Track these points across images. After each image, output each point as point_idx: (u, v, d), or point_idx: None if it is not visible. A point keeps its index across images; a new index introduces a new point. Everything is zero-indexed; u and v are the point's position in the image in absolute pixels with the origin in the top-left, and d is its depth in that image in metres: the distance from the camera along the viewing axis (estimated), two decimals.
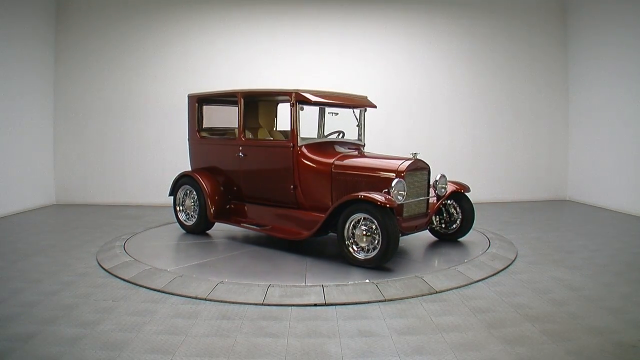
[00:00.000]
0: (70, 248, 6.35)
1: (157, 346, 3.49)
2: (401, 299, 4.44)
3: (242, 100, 6.56)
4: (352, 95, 6.85)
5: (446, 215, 6.38)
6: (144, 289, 4.72)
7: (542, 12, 10.41)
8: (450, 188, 6.21)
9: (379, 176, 5.54)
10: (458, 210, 6.34)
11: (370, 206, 5.09)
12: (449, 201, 6.30)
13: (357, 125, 6.90)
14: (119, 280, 4.99)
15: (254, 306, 4.29)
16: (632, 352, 3.37)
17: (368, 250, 5.19)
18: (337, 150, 6.30)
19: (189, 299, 4.46)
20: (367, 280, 4.76)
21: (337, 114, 7.25)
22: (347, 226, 5.29)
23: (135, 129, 10.03)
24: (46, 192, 9.88)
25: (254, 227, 6.32)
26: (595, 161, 9.67)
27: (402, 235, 5.57)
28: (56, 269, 5.38)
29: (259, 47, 10.00)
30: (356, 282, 4.73)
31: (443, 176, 6.10)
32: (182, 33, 10.02)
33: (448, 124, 10.28)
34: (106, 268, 5.35)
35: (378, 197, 5.06)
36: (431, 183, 6.00)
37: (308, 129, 7.25)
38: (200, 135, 7.15)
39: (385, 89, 9.86)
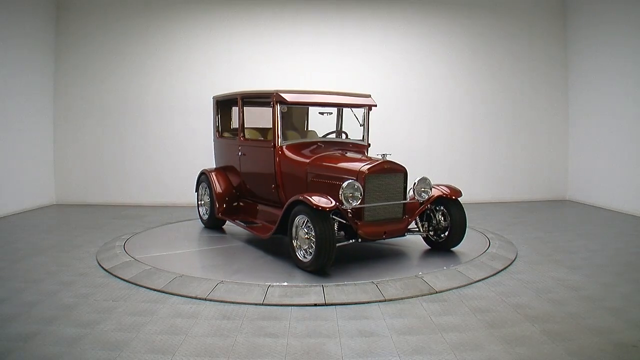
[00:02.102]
0: (70, 248, 6.35)
1: (157, 346, 3.49)
2: (401, 299, 4.44)
3: (241, 101, 6.74)
4: (352, 94, 6.81)
5: (435, 223, 5.87)
6: (144, 289, 4.72)
7: (542, 12, 10.41)
8: (437, 192, 5.73)
9: (342, 177, 5.32)
10: (447, 217, 5.78)
11: (307, 208, 4.96)
12: (439, 207, 5.83)
13: (360, 125, 6.88)
14: (119, 280, 4.99)
15: (254, 306, 4.29)
16: (632, 352, 3.37)
17: (311, 253, 5.05)
18: (319, 150, 6.15)
19: (189, 299, 4.46)
20: (285, 283, 4.68)
21: (331, 113, 7.32)
22: (293, 227, 5.21)
23: (135, 128, 10.03)
24: (46, 192, 9.88)
25: (242, 224, 6.44)
26: (595, 161, 9.66)
27: (364, 241, 5.31)
28: (56, 269, 5.38)
29: (259, 47, 10.00)
30: (356, 282, 4.73)
31: (423, 179, 5.65)
32: (182, 33, 10.02)
33: (448, 123, 10.28)
34: (106, 268, 5.36)
35: (313, 199, 4.93)
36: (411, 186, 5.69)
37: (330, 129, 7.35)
38: (219, 135, 7.46)
39: (385, 88, 9.85)
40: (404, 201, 5.55)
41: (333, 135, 7.00)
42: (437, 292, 4.60)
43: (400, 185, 5.52)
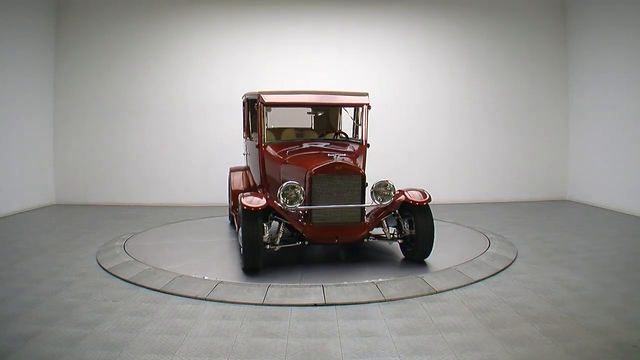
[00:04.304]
0: (70, 248, 6.35)
1: (157, 346, 3.49)
2: (401, 299, 4.44)
3: (247, 102, 6.91)
4: (346, 93, 6.78)
5: (404, 230, 5.38)
6: (144, 289, 4.72)
7: (542, 12, 10.40)
8: (400, 197, 5.29)
9: (296, 177, 5.29)
10: (413, 225, 5.30)
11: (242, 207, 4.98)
12: (407, 213, 5.39)
13: (357, 125, 6.82)
14: (119, 280, 4.99)
15: (254, 306, 4.29)
16: (632, 352, 3.37)
17: None
18: (299, 149, 6.09)
19: (189, 299, 4.46)
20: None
21: (320, 113, 7.34)
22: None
23: (135, 128, 10.03)
24: (46, 192, 9.88)
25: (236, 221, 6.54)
26: (595, 161, 9.66)
27: (314, 244, 5.21)
28: (56, 269, 5.38)
29: (258, 47, 9.99)
30: (356, 282, 4.73)
31: (381, 183, 5.27)
32: (181, 33, 10.01)
33: (447, 123, 10.27)
34: (106, 268, 5.36)
35: (244, 198, 4.96)
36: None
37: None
38: (245, 134, 7.56)
39: (385, 88, 9.85)
40: (360, 205, 5.19)
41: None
42: (437, 292, 4.59)
43: (356, 188, 5.18)
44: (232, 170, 7.40)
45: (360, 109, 6.54)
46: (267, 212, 5.12)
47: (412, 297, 4.47)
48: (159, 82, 9.99)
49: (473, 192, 10.22)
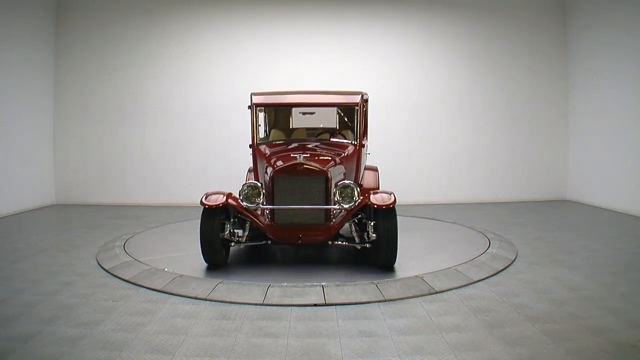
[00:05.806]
0: (70, 248, 6.35)
1: (157, 346, 3.49)
2: (401, 299, 4.44)
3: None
4: (340, 92, 6.73)
5: (370, 234, 5.08)
6: (144, 289, 4.72)
7: (542, 12, 10.40)
8: (363, 200, 5.07)
9: (267, 175, 5.33)
10: (377, 229, 4.99)
11: None
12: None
13: (353, 124, 6.76)
14: (119, 280, 4.99)
15: (254, 306, 4.29)
16: (632, 352, 3.37)
17: None
18: (283, 149, 6.06)
19: (189, 299, 4.46)
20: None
21: (313, 113, 7.27)
22: None
23: (135, 128, 10.03)
24: (46, 192, 9.88)
25: None
26: (595, 161, 9.66)
27: (276, 244, 5.26)
28: (56, 269, 5.38)
29: (259, 47, 10.00)
30: (356, 282, 4.73)
31: (344, 185, 5.11)
32: (181, 33, 10.02)
33: (447, 123, 10.27)
34: (106, 268, 5.36)
35: (207, 197, 5.05)
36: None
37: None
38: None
39: (385, 88, 9.86)
40: (323, 206, 5.11)
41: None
42: (437, 292, 4.59)
43: (319, 189, 5.10)
44: (250, 171, 7.23)
45: (356, 108, 6.38)
46: (229, 210, 5.21)
47: (412, 297, 4.47)
48: (159, 82, 9.99)
49: (473, 192, 10.22)
